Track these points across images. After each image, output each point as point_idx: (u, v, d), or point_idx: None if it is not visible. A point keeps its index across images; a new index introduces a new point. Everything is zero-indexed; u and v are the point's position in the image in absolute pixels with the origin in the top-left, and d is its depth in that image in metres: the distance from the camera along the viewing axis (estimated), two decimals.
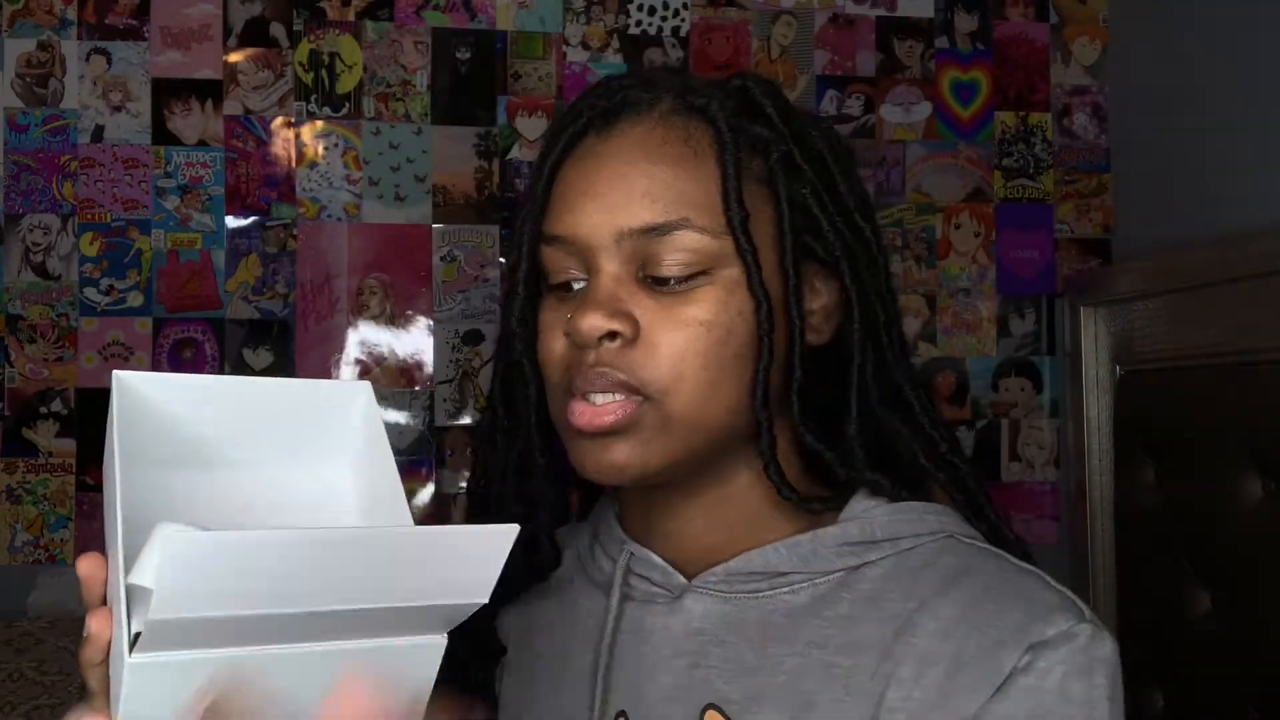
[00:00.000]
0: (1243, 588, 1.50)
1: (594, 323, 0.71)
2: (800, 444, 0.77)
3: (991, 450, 2.02)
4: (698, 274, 0.72)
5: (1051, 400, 2.03)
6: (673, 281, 0.72)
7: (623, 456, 0.72)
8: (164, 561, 0.46)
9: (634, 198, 0.72)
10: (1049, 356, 2.04)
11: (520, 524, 0.75)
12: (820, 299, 0.78)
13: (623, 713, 0.76)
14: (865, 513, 0.76)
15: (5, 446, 1.85)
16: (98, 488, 1.86)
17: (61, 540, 1.85)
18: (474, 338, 1.93)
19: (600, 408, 0.71)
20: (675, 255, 0.72)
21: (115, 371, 0.59)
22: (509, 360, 0.79)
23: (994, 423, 2.03)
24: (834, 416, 0.78)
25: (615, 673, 0.77)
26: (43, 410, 1.86)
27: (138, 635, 0.50)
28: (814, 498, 0.76)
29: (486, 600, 0.55)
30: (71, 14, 1.89)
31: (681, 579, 0.77)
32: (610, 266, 0.73)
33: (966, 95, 2.05)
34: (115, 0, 1.90)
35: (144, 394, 0.60)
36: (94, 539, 1.85)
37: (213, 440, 0.63)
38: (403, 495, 0.61)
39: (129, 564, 0.51)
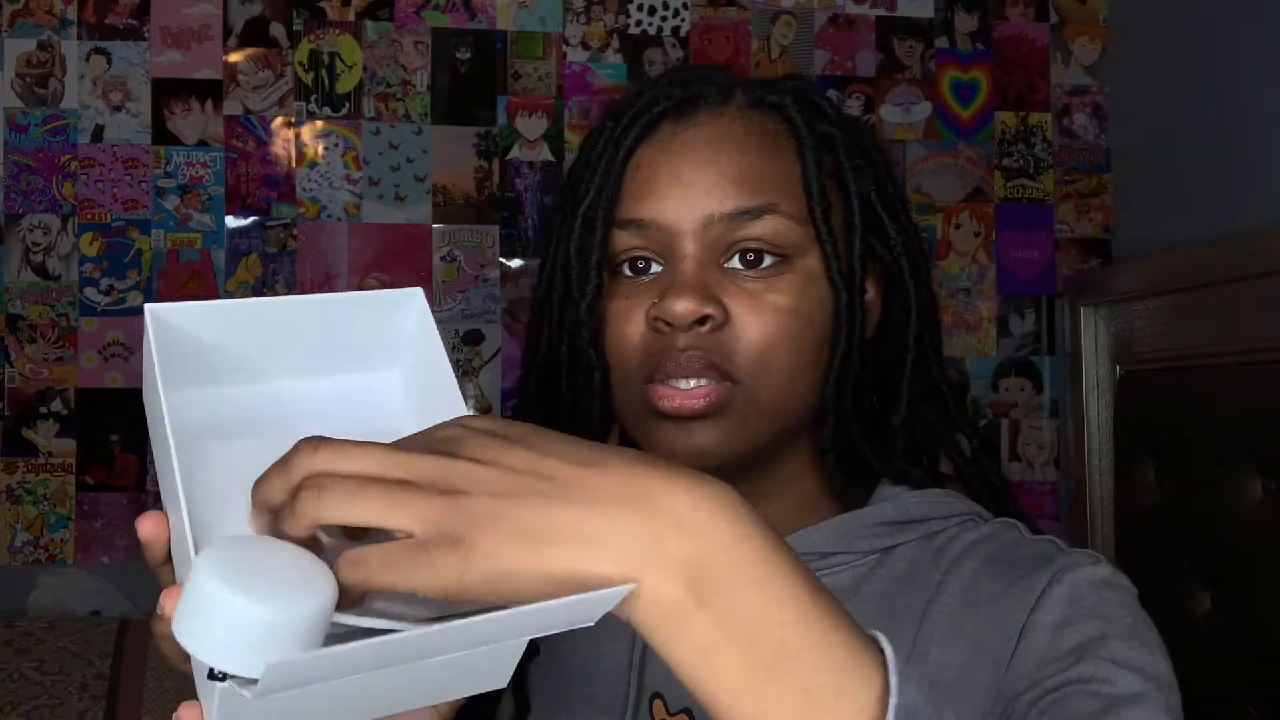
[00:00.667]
0: (1243, 588, 1.50)
1: (688, 306, 0.71)
2: (839, 435, 0.79)
3: (991, 450, 2.02)
4: (779, 261, 0.74)
5: (1051, 400, 2.03)
6: (755, 268, 0.73)
7: (708, 440, 0.72)
8: (265, 683, 0.45)
9: (723, 183, 0.73)
10: (1049, 356, 2.04)
11: None
12: (867, 294, 0.79)
13: (658, 694, 0.76)
14: (894, 496, 0.79)
15: (5, 446, 1.85)
16: (98, 488, 1.86)
17: (61, 540, 1.85)
18: (474, 338, 1.93)
19: (690, 391, 0.72)
20: (761, 240, 0.73)
21: (148, 306, 0.57)
22: (575, 349, 0.78)
23: (994, 423, 2.03)
24: (877, 410, 0.81)
25: (650, 657, 0.77)
26: (43, 410, 1.85)
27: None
28: (850, 485, 0.79)
29: (593, 624, 0.54)
30: (71, 14, 1.89)
31: None
32: (694, 251, 0.74)
33: (966, 95, 2.05)
34: (115, 0, 1.90)
35: (180, 324, 0.57)
36: (94, 539, 1.85)
37: (255, 357, 0.60)
38: (459, 396, 0.58)
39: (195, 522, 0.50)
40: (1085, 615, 0.68)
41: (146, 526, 0.55)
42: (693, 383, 0.72)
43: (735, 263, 0.74)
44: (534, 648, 0.83)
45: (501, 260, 1.94)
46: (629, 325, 0.75)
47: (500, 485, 0.47)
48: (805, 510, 0.79)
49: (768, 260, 0.73)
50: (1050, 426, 2.03)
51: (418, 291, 0.61)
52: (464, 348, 1.92)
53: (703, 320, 0.72)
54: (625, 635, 0.78)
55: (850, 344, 0.75)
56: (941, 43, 2.04)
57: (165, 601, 0.53)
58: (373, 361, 0.62)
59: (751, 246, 0.73)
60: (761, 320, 0.72)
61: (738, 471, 0.76)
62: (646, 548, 0.46)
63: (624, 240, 0.76)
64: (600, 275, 0.76)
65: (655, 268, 0.75)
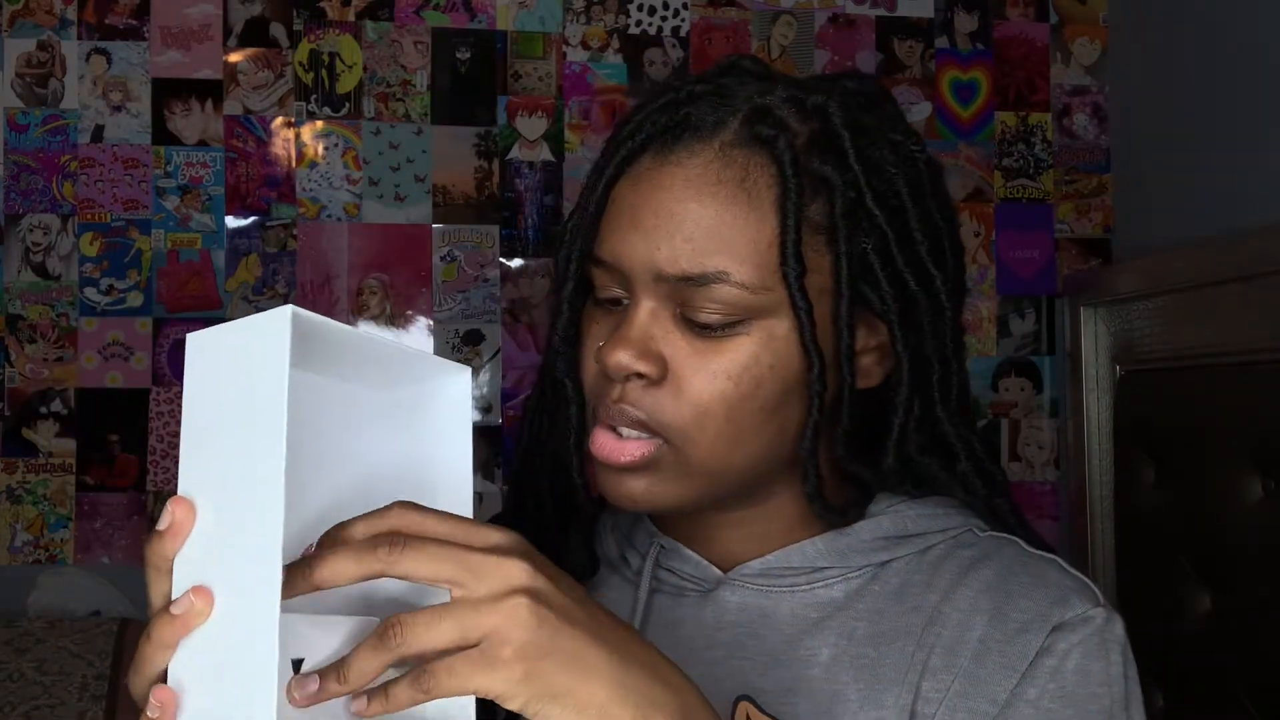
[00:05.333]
0: (1243, 588, 1.50)
1: (620, 360, 0.70)
2: (837, 464, 0.77)
3: (991, 451, 2.02)
4: (733, 323, 0.70)
5: (1051, 400, 2.03)
6: (703, 331, 0.70)
7: (638, 491, 0.72)
8: None
9: (674, 241, 0.69)
10: (1049, 356, 2.04)
11: (558, 531, 0.78)
12: (875, 339, 0.75)
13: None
14: (893, 509, 0.77)
15: (5, 446, 1.85)
16: (98, 488, 1.86)
17: (61, 540, 1.85)
18: (474, 338, 1.93)
19: (620, 444, 0.71)
20: (711, 306, 0.69)
21: (293, 308, 0.55)
22: (553, 378, 0.77)
23: (994, 423, 2.03)
24: (873, 448, 0.77)
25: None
26: (43, 410, 1.85)
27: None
28: (848, 505, 0.77)
29: None
30: (71, 14, 1.89)
31: (717, 572, 0.77)
32: (649, 302, 0.71)
33: (966, 95, 2.05)
34: (115, 0, 1.90)
35: (311, 335, 0.57)
36: (94, 539, 1.85)
37: (334, 399, 0.64)
38: (469, 483, 0.63)
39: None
40: (1063, 701, 0.69)
41: (183, 510, 0.55)
42: (625, 433, 0.71)
43: (687, 318, 0.70)
44: None
45: (501, 260, 1.94)
46: (590, 357, 0.74)
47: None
48: (794, 528, 0.78)
49: (716, 323, 0.69)
50: (1050, 426, 2.03)
51: (465, 370, 0.64)
52: (464, 348, 1.92)
53: (639, 375, 0.70)
54: None
55: (822, 408, 0.71)
56: (941, 43, 2.04)
57: (175, 508, 0.55)
58: (411, 425, 0.65)
59: (699, 309, 0.69)
60: (701, 382, 0.69)
61: (709, 508, 0.76)
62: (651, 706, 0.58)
63: (598, 274, 0.73)
64: (571, 309, 0.75)
65: (626, 301, 0.73)
